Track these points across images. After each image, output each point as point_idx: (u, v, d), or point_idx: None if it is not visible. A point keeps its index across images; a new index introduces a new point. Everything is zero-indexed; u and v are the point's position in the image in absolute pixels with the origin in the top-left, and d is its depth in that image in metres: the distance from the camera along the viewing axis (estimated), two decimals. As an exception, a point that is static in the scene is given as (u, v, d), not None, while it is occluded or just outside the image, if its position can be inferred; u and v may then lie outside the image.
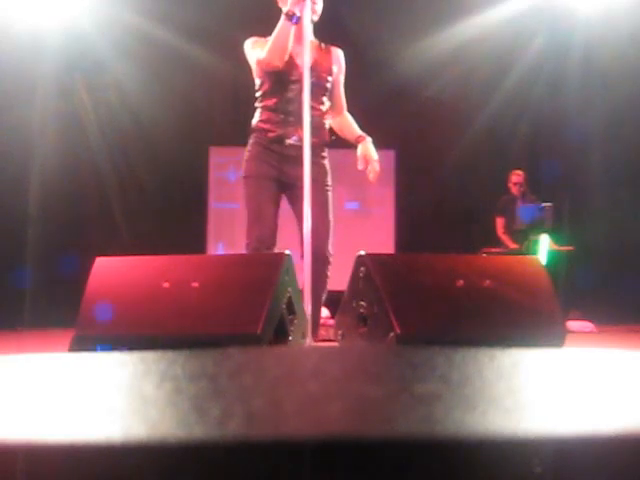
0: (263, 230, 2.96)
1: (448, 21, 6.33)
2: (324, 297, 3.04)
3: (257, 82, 3.10)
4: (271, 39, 2.93)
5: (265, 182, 3.02)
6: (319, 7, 3.03)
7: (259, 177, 3.02)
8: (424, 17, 6.31)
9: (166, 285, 2.23)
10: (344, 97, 3.21)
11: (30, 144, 5.95)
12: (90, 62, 6.18)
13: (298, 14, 2.83)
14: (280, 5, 3.02)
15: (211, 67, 6.22)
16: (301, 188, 2.69)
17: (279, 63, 2.94)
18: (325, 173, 3.08)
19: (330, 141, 3.15)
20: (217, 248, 6.71)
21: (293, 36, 2.90)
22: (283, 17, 2.88)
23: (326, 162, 3.11)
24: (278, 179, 3.02)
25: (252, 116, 3.12)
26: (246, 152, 3.08)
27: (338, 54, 3.15)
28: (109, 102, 6.38)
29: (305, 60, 2.76)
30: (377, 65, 6.30)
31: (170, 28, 6.12)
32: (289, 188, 3.03)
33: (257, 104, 3.11)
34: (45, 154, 5.98)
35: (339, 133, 3.22)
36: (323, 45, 3.13)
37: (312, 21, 3.00)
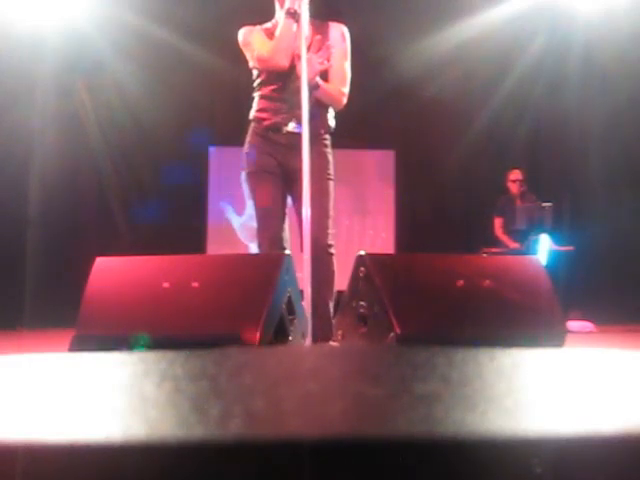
0: (273, 232, 2.90)
1: (448, 21, 6.33)
2: (333, 294, 2.87)
3: (254, 72, 3.06)
4: (275, 40, 2.89)
5: (269, 177, 2.94)
6: None
7: (261, 172, 2.95)
8: (424, 17, 6.30)
9: (166, 285, 2.23)
10: (343, 74, 3.00)
11: (30, 144, 5.95)
12: (90, 62, 6.17)
13: (299, 11, 2.79)
14: (276, 2, 2.99)
15: (211, 67, 6.22)
16: (302, 184, 2.57)
17: (285, 63, 2.88)
18: (326, 162, 2.96)
19: (332, 127, 3.05)
20: (217, 248, 6.70)
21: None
22: (284, 16, 2.85)
23: (327, 150, 3.00)
24: (280, 172, 2.94)
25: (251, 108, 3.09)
26: (245, 144, 3.02)
27: (337, 31, 3.01)
28: (109, 102, 6.38)
29: (302, 58, 2.69)
30: (377, 65, 6.30)
31: (170, 28, 6.12)
32: (291, 184, 2.93)
33: (254, 93, 3.06)
34: (45, 154, 5.97)
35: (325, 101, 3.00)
36: (318, 22, 2.97)
37: None
